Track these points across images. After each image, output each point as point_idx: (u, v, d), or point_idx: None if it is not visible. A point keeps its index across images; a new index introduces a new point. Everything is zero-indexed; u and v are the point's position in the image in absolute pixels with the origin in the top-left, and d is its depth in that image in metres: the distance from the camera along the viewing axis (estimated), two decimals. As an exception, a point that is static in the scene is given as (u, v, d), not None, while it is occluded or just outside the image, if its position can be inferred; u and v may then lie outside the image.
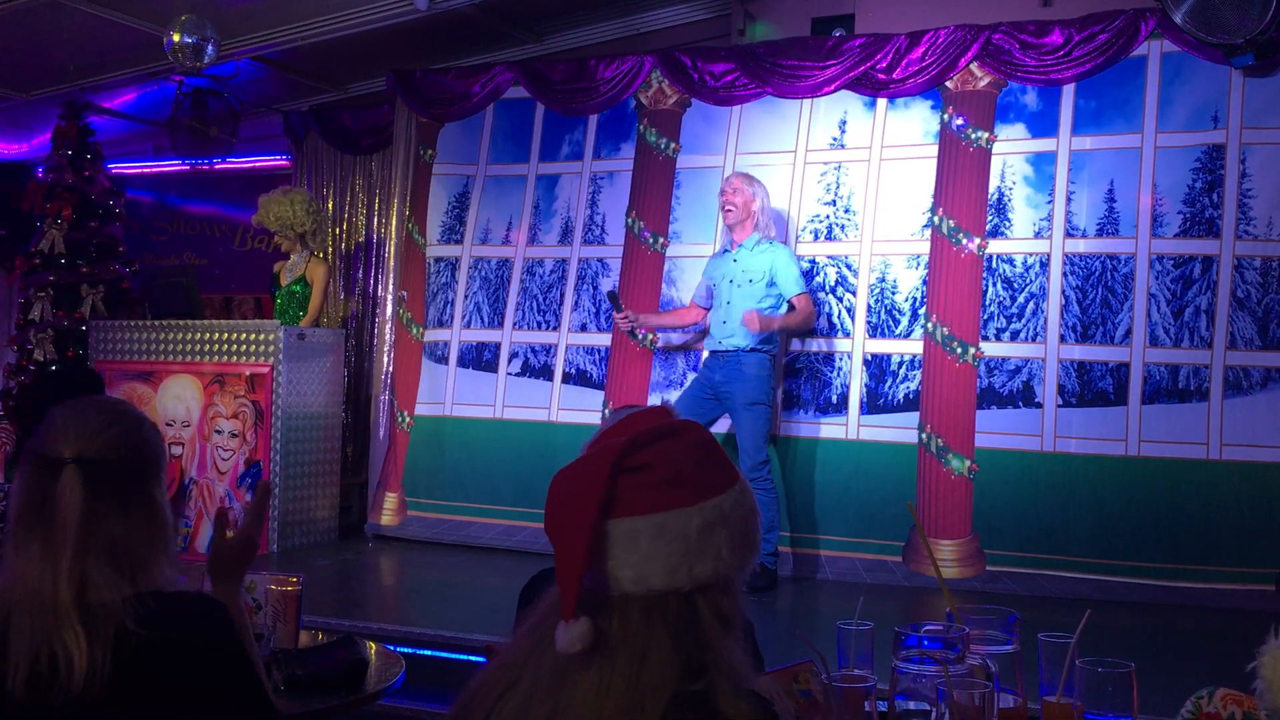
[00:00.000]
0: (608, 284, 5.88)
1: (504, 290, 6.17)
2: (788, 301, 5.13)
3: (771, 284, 5.09)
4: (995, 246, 5.30)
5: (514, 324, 6.12)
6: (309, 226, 6.18)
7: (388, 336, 6.53)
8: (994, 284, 5.28)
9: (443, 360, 6.25)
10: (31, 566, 1.45)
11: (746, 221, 5.17)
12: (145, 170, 8.45)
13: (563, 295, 6.03)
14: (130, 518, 1.52)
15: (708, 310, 5.33)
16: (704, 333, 5.40)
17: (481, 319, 6.21)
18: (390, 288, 6.59)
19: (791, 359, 5.52)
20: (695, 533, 1.10)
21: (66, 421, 1.52)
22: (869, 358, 5.41)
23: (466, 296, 6.25)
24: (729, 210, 5.18)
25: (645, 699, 1.06)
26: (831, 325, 5.50)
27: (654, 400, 5.64)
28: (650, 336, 5.74)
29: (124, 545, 1.49)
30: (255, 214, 6.25)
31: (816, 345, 5.50)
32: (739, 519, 1.14)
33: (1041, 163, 5.30)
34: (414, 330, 6.38)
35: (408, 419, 6.28)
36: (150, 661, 1.45)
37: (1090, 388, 5.08)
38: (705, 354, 5.33)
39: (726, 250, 5.28)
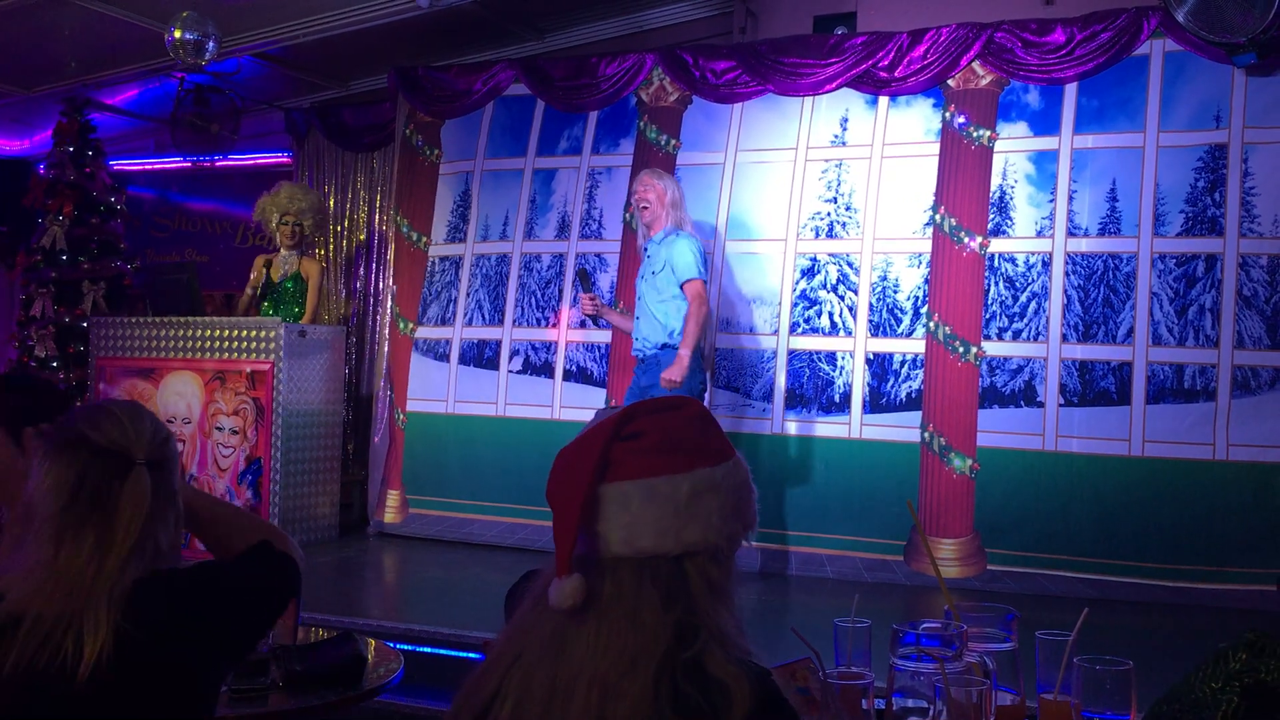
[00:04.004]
0: (606, 279, 5.87)
1: (503, 286, 6.16)
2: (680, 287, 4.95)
3: (673, 271, 4.96)
4: (997, 245, 5.29)
5: (514, 321, 6.12)
6: (316, 219, 6.21)
7: (387, 333, 6.53)
8: (996, 283, 5.27)
9: (444, 358, 6.25)
10: (81, 556, 1.49)
11: (662, 215, 5.07)
12: (147, 167, 8.45)
13: (561, 291, 6.02)
14: (170, 515, 1.60)
15: None
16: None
17: (483, 316, 6.21)
18: (390, 284, 6.59)
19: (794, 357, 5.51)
20: (685, 498, 1.14)
21: (128, 421, 1.58)
22: (871, 357, 5.40)
23: (469, 294, 6.25)
24: (644, 209, 5.07)
25: (638, 658, 1.10)
26: (833, 324, 5.49)
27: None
28: None
29: (162, 540, 1.58)
30: (263, 199, 6.19)
31: (819, 344, 5.49)
32: (730, 490, 1.18)
33: (1043, 161, 5.29)
34: (402, 325, 6.38)
35: (402, 416, 6.28)
36: (139, 655, 1.47)
37: (1092, 387, 5.07)
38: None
39: (644, 247, 5.20)
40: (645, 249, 5.13)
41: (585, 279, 5.21)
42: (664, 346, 4.97)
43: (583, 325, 5.94)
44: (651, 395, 4.86)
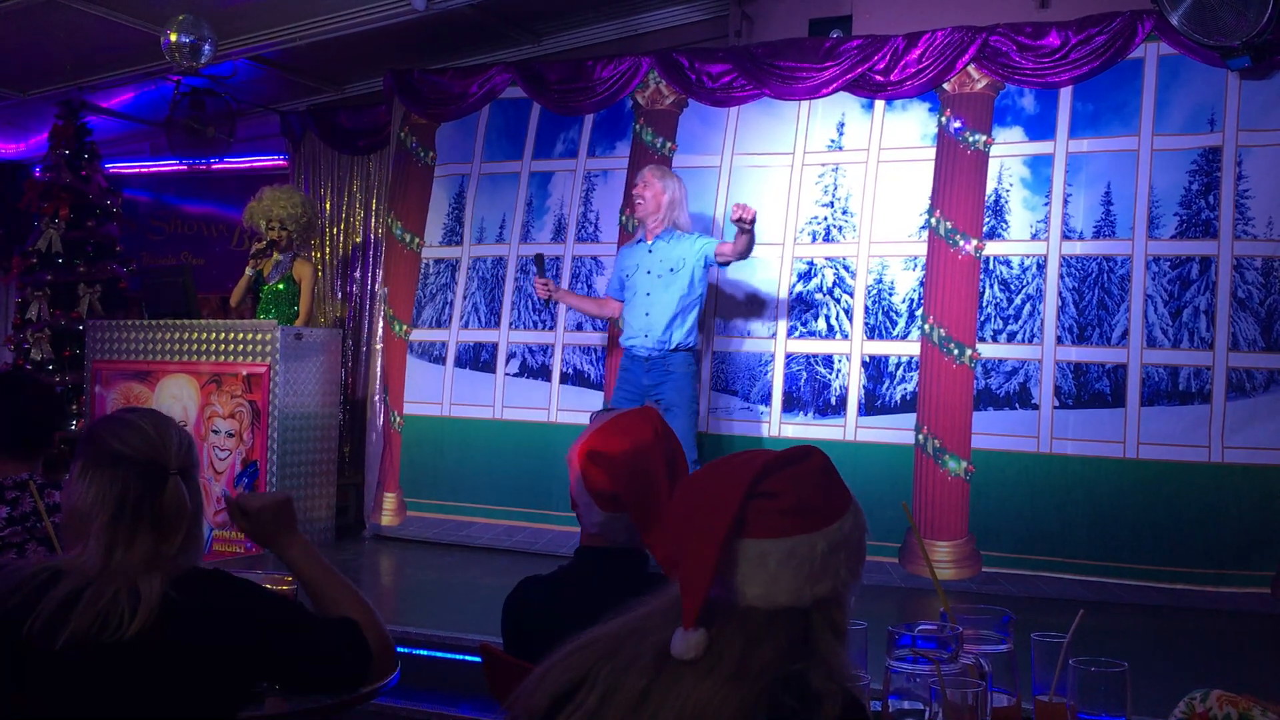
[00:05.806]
0: (601, 282, 5.87)
1: (499, 289, 6.16)
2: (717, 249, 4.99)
3: (699, 264, 4.99)
4: (992, 248, 5.30)
5: (510, 324, 6.12)
6: (311, 222, 6.22)
7: (380, 335, 6.52)
8: (991, 285, 5.28)
9: (440, 360, 6.25)
10: (135, 555, 1.63)
11: (658, 214, 5.09)
12: (142, 170, 8.45)
13: (559, 295, 6.02)
14: (200, 511, 1.76)
15: (623, 303, 5.24)
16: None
17: (479, 319, 6.20)
18: (381, 286, 6.59)
19: (787, 360, 5.52)
20: (820, 556, 1.19)
21: (155, 433, 1.71)
22: (867, 359, 5.41)
23: (465, 297, 6.25)
24: (639, 203, 5.12)
25: (740, 690, 1.12)
26: (830, 327, 5.50)
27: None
28: None
29: (195, 532, 1.75)
30: (251, 204, 6.21)
31: (815, 347, 5.50)
32: (856, 541, 1.25)
33: (1038, 165, 5.30)
34: (396, 328, 6.38)
35: (398, 418, 6.28)
36: (180, 630, 1.61)
37: (1087, 389, 5.08)
38: (623, 354, 5.21)
39: (641, 241, 5.21)
40: (646, 246, 5.14)
41: (541, 264, 5.25)
42: (677, 349, 4.98)
43: (579, 328, 5.94)
44: (654, 394, 4.94)
